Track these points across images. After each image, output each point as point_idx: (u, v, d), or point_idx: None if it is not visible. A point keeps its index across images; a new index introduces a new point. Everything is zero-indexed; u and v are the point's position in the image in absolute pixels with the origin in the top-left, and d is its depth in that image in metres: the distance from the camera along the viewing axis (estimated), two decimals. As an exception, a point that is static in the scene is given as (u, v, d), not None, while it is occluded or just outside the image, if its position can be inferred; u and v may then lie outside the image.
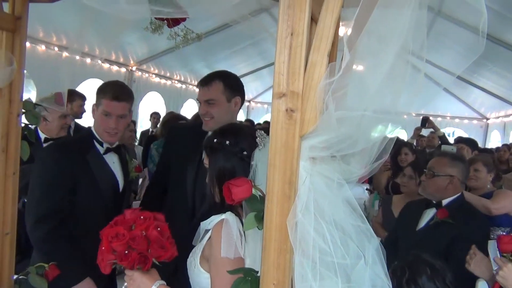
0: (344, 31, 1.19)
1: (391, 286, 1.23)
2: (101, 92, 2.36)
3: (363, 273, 1.20)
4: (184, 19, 2.05)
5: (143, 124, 9.61)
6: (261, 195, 1.28)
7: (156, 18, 2.08)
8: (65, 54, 6.57)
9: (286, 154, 1.15)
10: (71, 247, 2.22)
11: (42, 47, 6.19)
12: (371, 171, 1.30)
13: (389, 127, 1.27)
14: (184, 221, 2.29)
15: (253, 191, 1.28)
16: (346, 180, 1.31)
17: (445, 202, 2.79)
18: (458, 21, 6.59)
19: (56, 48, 6.40)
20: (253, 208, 1.28)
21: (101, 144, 2.40)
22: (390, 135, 1.30)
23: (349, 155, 1.29)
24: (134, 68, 8.13)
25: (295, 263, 1.14)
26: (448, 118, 12.22)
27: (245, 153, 1.63)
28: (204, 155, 1.75)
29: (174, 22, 2.05)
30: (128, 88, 2.47)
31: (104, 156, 2.40)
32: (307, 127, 1.15)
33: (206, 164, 1.73)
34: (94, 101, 2.41)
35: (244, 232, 1.55)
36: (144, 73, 8.47)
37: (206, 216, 2.10)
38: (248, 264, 1.49)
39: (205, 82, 2.38)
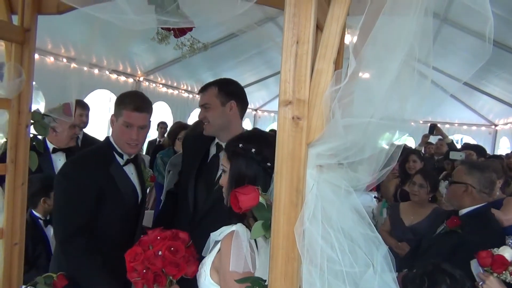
0: (350, 39, 1.19)
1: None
2: (122, 103, 2.32)
3: (372, 281, 1.19)
4: (190, 29, 2.06)
5: (150, 133, 9.65)
6: (269, 203, 1.28)
7: (162, 28, 2.10)
8: (73, 65, 6.63)
9: (293, 162, 1.15)
10: (104, 261, 2.19)
11: (50, 59, 6.25)
12: (379, 178, 1.30)
13: (396, 134, 1.27)
14: (185, 225, 2.32)
15: (260, 199, 1.28)
16: (354, 188, 1.30)
17: (464, 211, 2.77)
18: (464, 28, 6.57)
19: (64, 60, 6.46)
20: (260, 217, 1.28)
21: (121, 156, 2.37)
22: (397, 142, 1.29)
23: (357, 163, 1.28)
24: (141, 79, 8.18)
25: (303, 272, 1.13)
26: (456, 125, 12.15)
27: (268, 164, 1.58)
28: (223, 157, 1.72)
29: (180, 32, 2.07)
30: (148, 99, 2.42)
31: (124, 167, 2.37)
32: (314, 134, 1.15)
33: (224, 166, 1.70)
34: (112, 112, 2.40)
35: (256, 244, 1.53)
36: (151, 83, 8.52)
37: (206, 220, 2.13)
38: (260, 275, 1.47)
39: (202, 89, 2.48)
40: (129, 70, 7.89)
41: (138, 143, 2.35)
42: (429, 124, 6.94)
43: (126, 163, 2.38)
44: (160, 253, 1.59)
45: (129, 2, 1.69)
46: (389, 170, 1.30)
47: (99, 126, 8.58)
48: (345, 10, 1.13)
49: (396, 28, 1.08)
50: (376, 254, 1.22)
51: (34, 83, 2.06)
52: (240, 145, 1.65)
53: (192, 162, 2.53)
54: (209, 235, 1.66)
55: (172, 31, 2.07)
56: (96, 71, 7.05)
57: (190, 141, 2.84)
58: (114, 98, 7.98)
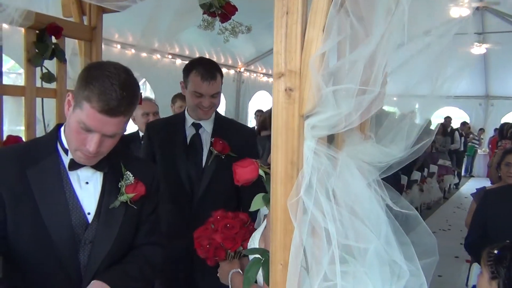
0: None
1: (408, 273, 1.14)
2: (86, 87, 1.39)
3: (377, 257, 1.14)
4: (233, 13, 2.12)
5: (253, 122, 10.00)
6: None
7: (207, 15, 2.18)
8: (178, 61, 7.18)
9: (287, 134, 1.15)
10: None
11: (157, 56, 6.82)
12: (412, 153, 1.25)
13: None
14: (185, 206, 2.40)
15: (260, 171, 1.29)
16: (388, 163, 1.27)
17: None
18: None
19: (169, 56, 7.01)
20: (268, 189, 1.29)
21: (67, 152, 1.54)
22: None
23: (388, 139, 1.26)
24: (242, 70, 8.49)
25: (297, 243, 1.13)
26: None
27: None
28: None
29: (224, 17, 2.14)
30: (132, 87, 1.46)
31: (70, 172, 1.54)
32: (307, 106, 1.13)
33: None
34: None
35: None
36: (252, 73, 8.79)
37: (205, 198, 2.36)
38: None
39: (212, 77, 2.27)
40: (230, 62, 8.25)
41: (100, 155, 1.51)
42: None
43: (73, 166, 1.53)
44: (213, 227, 1.77)
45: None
46: (426, 145, 1.24)
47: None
48: (334, -25, 1.08)
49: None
50: (382, 229, 1.16)
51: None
52: None
53: (174, 145, 2.44)
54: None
55: (217, 17, 2.15)
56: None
57: (158, 127, 2.62)
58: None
